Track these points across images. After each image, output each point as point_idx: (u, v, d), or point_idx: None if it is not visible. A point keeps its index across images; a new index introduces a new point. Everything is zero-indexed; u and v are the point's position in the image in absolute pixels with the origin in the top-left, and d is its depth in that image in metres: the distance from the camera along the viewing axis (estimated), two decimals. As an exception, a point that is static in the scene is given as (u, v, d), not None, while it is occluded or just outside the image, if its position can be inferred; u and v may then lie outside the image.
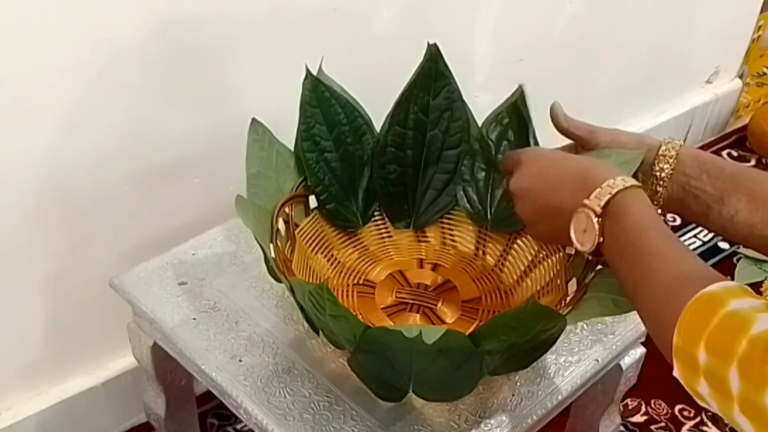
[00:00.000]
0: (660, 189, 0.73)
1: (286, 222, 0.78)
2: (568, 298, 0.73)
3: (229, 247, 0.87)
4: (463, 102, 0.83)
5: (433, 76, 0.81)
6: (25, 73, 0.80)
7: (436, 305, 0.81)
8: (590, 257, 0.65)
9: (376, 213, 0.86)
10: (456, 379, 0.66)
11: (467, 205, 0.86)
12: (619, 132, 0.77)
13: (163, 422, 0.93)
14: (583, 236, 0.64)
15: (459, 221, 0.87)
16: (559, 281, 0.78)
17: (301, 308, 0.70)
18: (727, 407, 0.48)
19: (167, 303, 0.80)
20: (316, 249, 0.82)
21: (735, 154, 1.80)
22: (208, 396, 1.03)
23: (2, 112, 0.80)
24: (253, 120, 0.78)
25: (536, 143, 0.81)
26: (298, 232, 0.80)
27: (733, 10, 1.64)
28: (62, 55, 0.81)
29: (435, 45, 0.79)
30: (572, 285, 0.75)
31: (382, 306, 0.80)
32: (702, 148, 1.80)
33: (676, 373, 0.52)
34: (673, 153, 0.73)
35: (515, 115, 0.82)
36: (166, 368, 0.88)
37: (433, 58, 0.80)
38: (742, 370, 0.46)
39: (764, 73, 1.99)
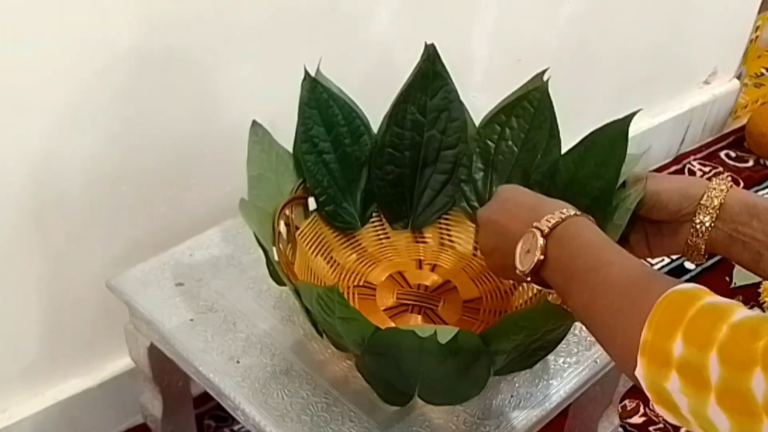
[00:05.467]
0: (697, 240, 0.69)
1: (287, 224, 0.77)
2: None
3: (227, 248, 0.87)
4: (461, 102, 0.83)
5: (431, 77, 0.80)
6: (22, 73, 0.79)
7: (437, 306, 0.81)
8: (528, 279, 0.63)
9: (374, 214, 0.86)
10: (463, 381, 0.66)
11: (465, 205, 0.86)
12: (664, 179, 0.74)
13: (160, 424, 0.93)
14: (525, 256, 0.64)
15: (457, 221, 0.87)
16: None
17: (306, 311, 0.69)
18: (701, 401, 0.47)
19: (164, 304, 0.80)
20: (316, 251, 0.82)
21: (733, 154, 1.80)
22: (206, 397, 1.02)
23: (-2, 113, 0.80)
24: (254, 122, 0.77)
25: (558, 136, 0.80)
26: (299, 235, 0.80)
27: (731, 10, 1.64)
28: (60, 56, 0.81)
29: (432, 45, 0.79)
30: None
31: (383, 308, 0.80)
32: (700, 148, 1.80)
33: (638, 372, 0.51)
34: (716, 203, 0.68)
35: (515, 115, 0.81)
36: (163, 369, 0.87)
37: (431, 58, 0.79)
38: (723, 355, 0.45)
39: (762, 74, 1.99)
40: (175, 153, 0.95)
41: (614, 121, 0.75)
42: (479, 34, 1.20)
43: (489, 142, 0.83)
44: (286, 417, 0.70)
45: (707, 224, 0.69)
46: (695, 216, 0.69)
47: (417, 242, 0.87)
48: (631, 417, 1.16)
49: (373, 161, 0.83)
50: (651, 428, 1.15)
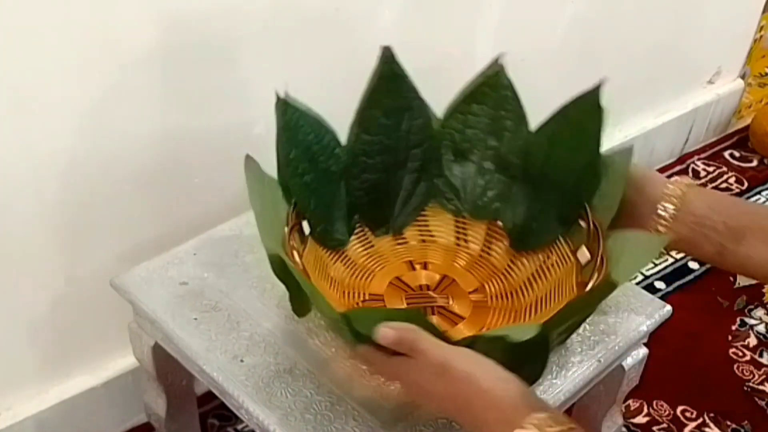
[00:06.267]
0: (662, 229, 0.72)
1: (299, 255, 0.75)
2: (586, 267, 0.75)
3: (231, 247, 0.87)
4: (421, 99, 0.82)
5: (390, 79, 0.80)
6: (28, 73, 0.79)
7: (447, 303, 0.81)
8: None
9: (357, 226, 0.85)
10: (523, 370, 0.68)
11: (442, 200, 0.86)
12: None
13: (164, 422, 0.93)
14: None
15: (434, 216, 0.87)
16: (563, 251, 0.80)
17: (335, 332, 0.70)
18: None
19: (168, 303, 0.80)
20: (318, 274, 0.81)
21: (737, 154, 1.79)
22: (209, 396, 1.02)
23: (4, 113, 0.80)
24: (247, 156, 0.75)
25: (524, 116, 0.82)
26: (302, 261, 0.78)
27: (735, 10, 1.64)
28: (65, 56, 0.81)
29: (388, 47, 0.78)
30: (582, 253, 0.76)
31: None
32: (704, 148, 1.80)
33: None
34: (678, 192, 0.72)
35: (476, 101, 0.82)
36: (167, 368, 0.87)
37: (388, 60, 0.79)
38: None
39: (766, 74, 1.98)
40: (179, 152, 0.95)
41: (584, 92, 0.76)
42: (483, 34, 1.20)
43: (455, 133, 0.83)
44: (289, 415, 0.70)
45: (670, 211, 0.71)
46: (659, 204, 0.72)
47: (399, 244, 0.86)
48: (634, 417, 1.16)
49: (348, 173, 0.81)
50: (654, 428, 1.15)
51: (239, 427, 1.11)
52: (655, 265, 1.43)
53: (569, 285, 0.78)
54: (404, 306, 0.80)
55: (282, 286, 0.79)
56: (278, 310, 0.80)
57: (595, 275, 0.73)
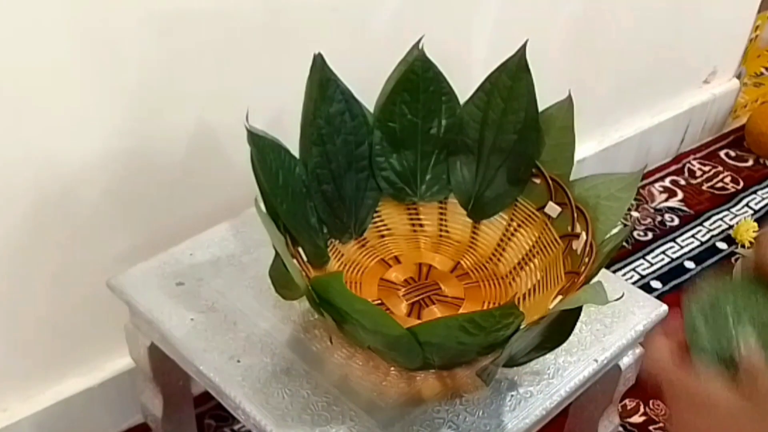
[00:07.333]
0: None
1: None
2: (559, 219, 0.79)
3: (227, 247, 0.87)
4: (355, 99, 0.82)
5: (325, 85, 0.79)
6: (25, 73, 0.79)
7: (441, 289, 0.82)
8: None
9: (327, 239, 0.83)
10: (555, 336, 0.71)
11: (391, 191, 0.86)
12: None
13: (161, 423, 0.93)
14: None
15: (386, 208, 0.87)
16: (525, 211, 0.83)
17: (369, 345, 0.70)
18: None
19: (165, 303, 0.80)
20: None
21: (733, 154, 1.80)
22: (206, 397, 1.02)
23: (3, 113, 0.80)
24: (255, 199, 0.73)
25: (452, 92, 0.83)
26: None
27: (731, 9, 1.64)
28: (61, 55, 0.81)
29: (320, 54, 0.77)
30: (551, 207, 0.80)
31: (405, 315, 0.79)
32: (700, 148, 1.80)
33: None
34: None
35: (405, 89, 0.83)
36: (164, 369, 0.87)
37: (319, 67, 0.78)
38: None
39: (762, 73, 1.99)
40: (176, 153, 0.95)
41: (509, 58, 0.79)
42: (480, 33, 1.20)
43: (390, 124, 0.84)
44: (286, 416, 0.70)
45: None
46: None
47: (363, 246, 0.86)
48: (631, 416, 1.16)
49: (310, 189, 0.80)
50: (651, 428, 1.15)
51: (236, 427, 1.11)
52: (651, 264, 1.44)
53: (546, 239, 0.80)
54: (407, 305, 0.80)
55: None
56: (275, 311, 0.80)
57: (578, 224, 0.76)
